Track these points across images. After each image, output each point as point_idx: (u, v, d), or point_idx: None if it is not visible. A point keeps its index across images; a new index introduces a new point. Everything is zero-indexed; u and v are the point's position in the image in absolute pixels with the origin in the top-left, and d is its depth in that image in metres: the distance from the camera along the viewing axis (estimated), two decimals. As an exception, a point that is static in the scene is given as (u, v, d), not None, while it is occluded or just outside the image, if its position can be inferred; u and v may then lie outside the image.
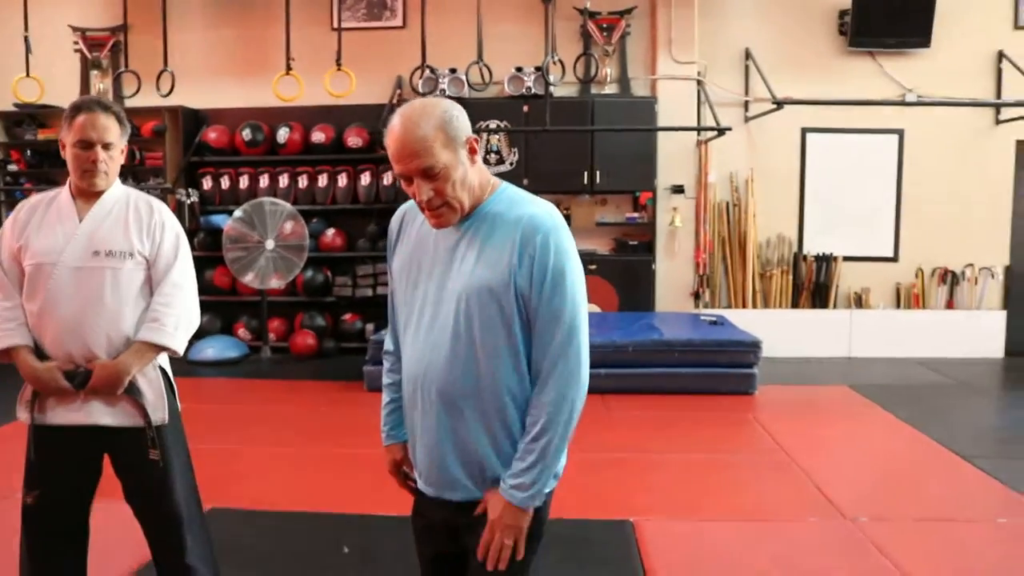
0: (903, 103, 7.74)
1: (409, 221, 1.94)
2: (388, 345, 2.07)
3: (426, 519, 1.97)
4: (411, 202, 1.94)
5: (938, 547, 3.55)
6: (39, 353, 2.47)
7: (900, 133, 8.00)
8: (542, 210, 1.78)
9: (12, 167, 8.38)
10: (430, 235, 1.86)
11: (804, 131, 8.06)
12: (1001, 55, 7.83)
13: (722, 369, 6.30)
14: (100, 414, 2.48)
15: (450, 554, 1.95)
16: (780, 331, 7.62)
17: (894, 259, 8.11)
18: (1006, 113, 7.81)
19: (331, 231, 8.10)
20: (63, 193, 2.55)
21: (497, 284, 1.73)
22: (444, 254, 1.82)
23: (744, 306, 8.01)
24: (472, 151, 1.76)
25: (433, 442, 1.83)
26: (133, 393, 2.49)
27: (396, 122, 1.72)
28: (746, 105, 8.04)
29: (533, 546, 1.83)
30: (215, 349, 7.60)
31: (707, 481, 4.41)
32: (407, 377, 1.88)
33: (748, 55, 7.90)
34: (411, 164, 1.70)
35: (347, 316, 8.10)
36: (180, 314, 2.54)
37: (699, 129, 7.84)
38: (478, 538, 1.81)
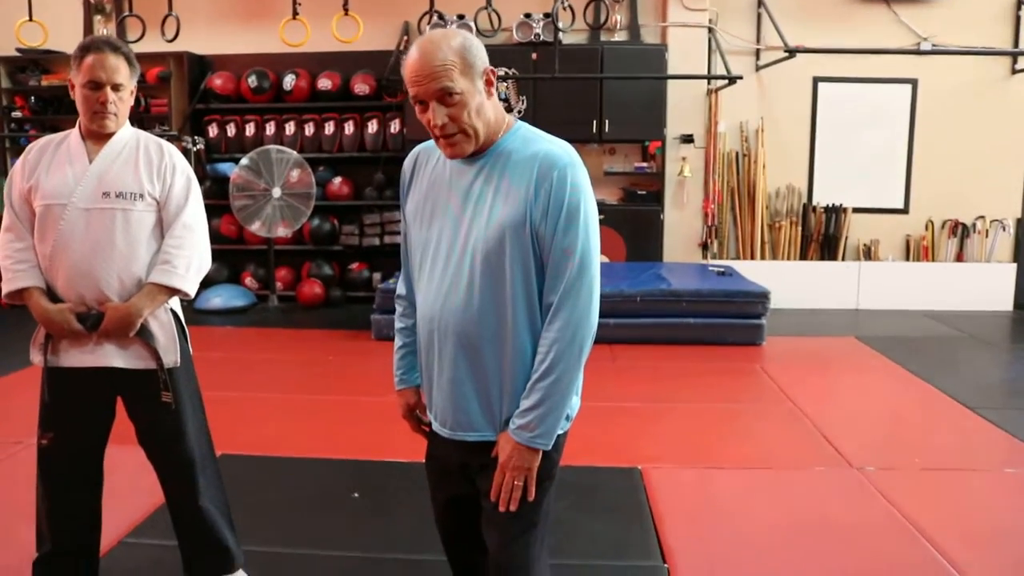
0: (917, 52, 7.61)
1: (423, 163, 1.92)
2: (400, 289, 2.06)
3: (440, 461, 1.98)
4: (424, 144, 1.93)
5: (945, 496, 3.57)
6: (52, 296, 2.47)
7: (914, 83, 7.90)
8: (559, 147, 1.77)
9: (16, 114, 8.32)
10: (444, 174, 1.84)
11: (816, 80, 7.97)
12: (1019, 2, 7.69)
13: (730, 320, 6.30)
14: (112, 356, 2.48)
15: (464, 496, 1.95)
16: (788, 282, 7.61)
17: (904, 211, 8.06)
18: (1023, 62, 7.69)
19: (338, 179, 8.06)
20: (73, 135, 2.53)
21: (514, 221, 1.72)
22: (459, 192, 1.80)
23: (752, 257, 7.99)
24: (489, 83, 1.75)
25: (450, 383, 1.82)
26: (145, 335, 2.49)
27: (414, 46, 1.73)
28: (757, 53, 7.93)
29: (545, 486, 1.83)
30: (222, 298, 7.61)
31: (714, 430, 4.43)
32: (423, 318, 1.87)
33: (760, 2, 7.76)
34: (429, 86, 1.69)
35: (354, 265, 8.10)
36: (191, 256, 2.53)
37: (709, 78, 7.75)
38: (491, 480, 1.81)
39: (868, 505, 3.46)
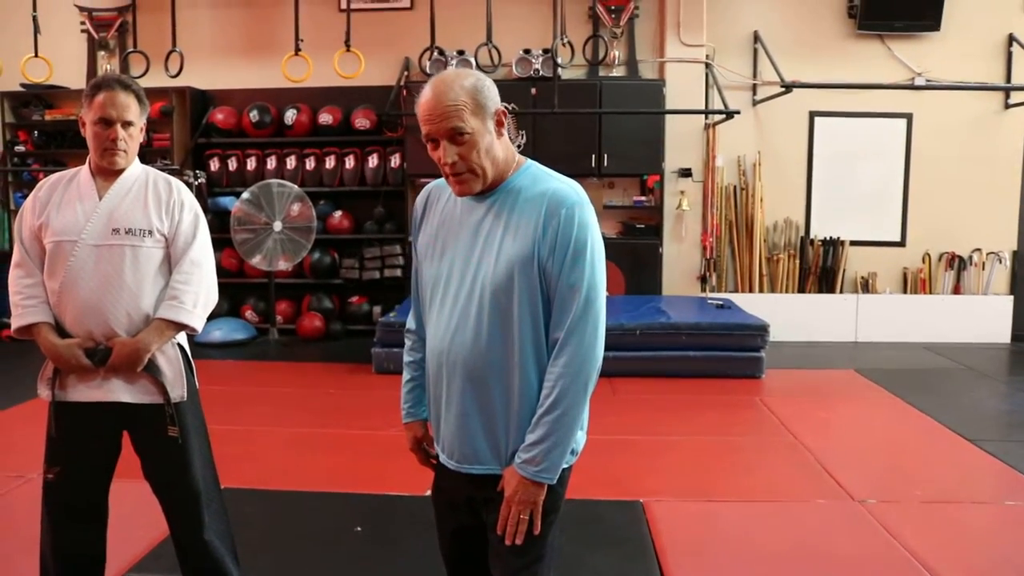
0: (912, 87, 7.72)
1: (434, 200, 1.96)
2: (410, 324, 2.09)
3: (447, 494, 1.99)
4: (436, 181, 1.97)
5: (946, 529, 3.57)
6: (60, 331, 2.49)
7: (909, 117, 7.98)
8: (567, 185, 1.82)
9: (20, 148, 8.38)
10: (455, 211, 1.88)
11: (812, 115, 8.05)
12: (1011, 39, 7.79)
13: (729, 352, 6.32)
14: (120, 391, 2.50)
15: (471, 528, 1.96)
16: (787, 315, 7.64)
17: (901, 244, 8.10)
18: (1016, 97, 7.79)
19: (338, 213, 8.11)
20: (83, 171, 2.56)
21: (522, 257, 1.76)
22: (469, 229, 1.84)
23: (751, 290, 8.03)
24: (499, 123, 1.80)
25: (457, 416, 1.85)
26: (152, 370, 2.51)
27: (429, 85, 1.77)
28: (754, 88, 8.02)
29: (550, 520, 1.85)
30: (222, 331, 7.63)
31: (715, 463, 4.43)
32: (432, 352, 1.90)
33: (757, 38, 7.88)
34: (440, 125, 1.73)
35: (354, 298, 8.12)
36: (199, 292, 2.56)
37: (707, 112, 7.84)
38: (497, 513, 1.83)
39: (869, 538, 3.47)
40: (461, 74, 1.78)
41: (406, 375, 2.09)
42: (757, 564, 3.22)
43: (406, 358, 2.09)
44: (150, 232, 2.51)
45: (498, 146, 1.80)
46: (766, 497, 3.95)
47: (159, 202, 2.55)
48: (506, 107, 1.83)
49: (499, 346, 1.79)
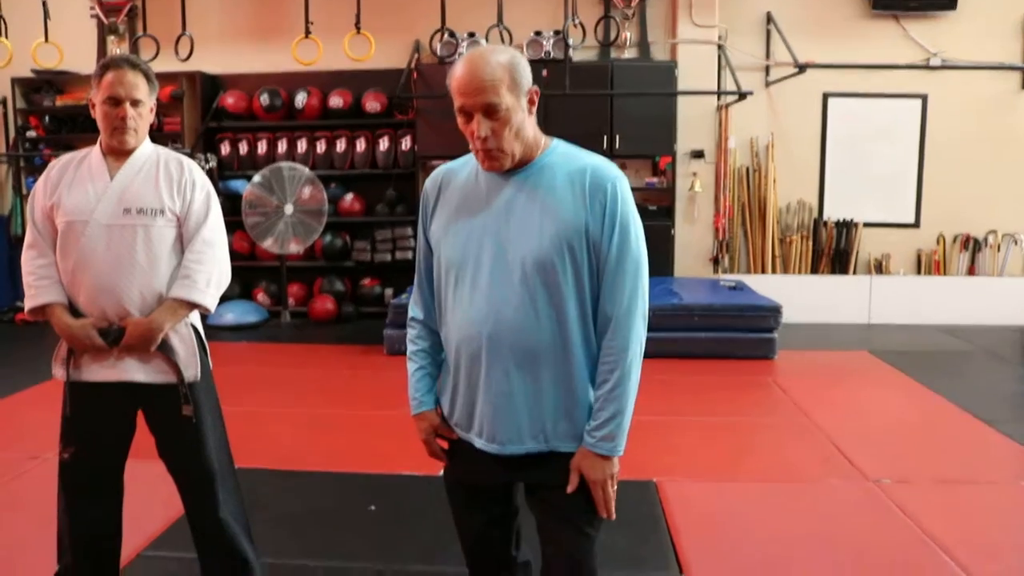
0: (927, 67, 7.66)
1: (448, 183, 1.93)
2: (415, 313, 2.05)
3: (479, 482, 1.97)
4: (447, 165, 1.95)
5: (960, 509, 3.55)
6: (74, 311, 2.49)
7: (923, 98, 7.91)
8: (603, 162, 1.82)
9: (31, 133, 8.41)
10: (479, 190, 1.86)
11: (826, 96, 7.99)
12: (1028, 18, 7.71)
13: (742, 334, 6.30)
14: (134, 371, 2.51)
15: (500, 517, 1.98)
16: (800, 297, 7.60)
17: (915, 225, 8.05)
18: (1032, 77, 7.72)
19: (349, 196, 8.11)
20: (94, 152, 2.56)
21: (570, 232, 1.75)
22: (498, 207, 1.82)
23: (763, 271, 7.99)
24: (532, 102, 1.80)
25: (499, 397, 1.82)
26: (166, 350, 2.51)
27: (465, 59, 1.77)
28: (767, 69, 7.97)
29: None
30: (234, 314, 7.65)
31: (728, 443, 4.42)
32: (464, 336, 1.85)
33: (770, 19, 7.82)
34: (476, 99, 1.73)
35: (366, 281, 8.14)
36: (212, 271, 2.55)
37: (719, 94, 7.78)
38: (547, 492, 1.87)
39: (883, 518, 3.45)
40: (497, 50, 1.78)
41: (413, 365, 2.04)
42: (770, 544, 3.21)
43: (411, 348, 2.05)
44: (162, 211, 2.50)
45: (528, 124, 1.80)
46: (779, 477, 3.94)
47: (170, 181, 2.54)
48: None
49: (548, 323, 1.78)
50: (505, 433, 1.84)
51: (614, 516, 1.84)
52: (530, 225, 1.78)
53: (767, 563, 3.06)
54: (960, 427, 4.70)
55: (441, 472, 2.08)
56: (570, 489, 1.82)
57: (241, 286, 8.09)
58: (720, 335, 6.29)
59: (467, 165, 1.91)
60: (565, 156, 1.84)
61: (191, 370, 2.55)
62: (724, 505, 3.61)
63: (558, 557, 1.89)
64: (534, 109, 1.81)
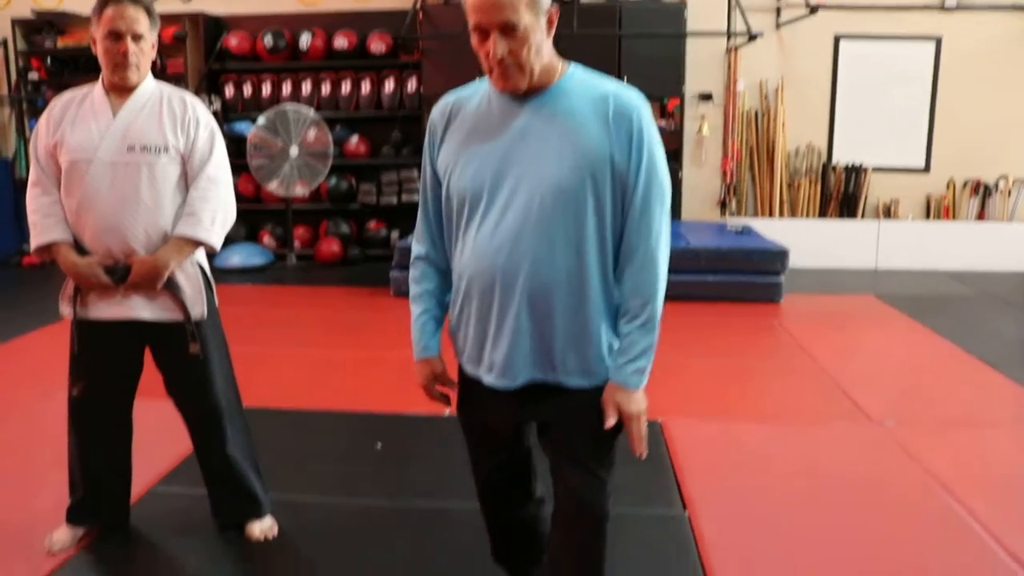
0: (942, 8, 7.52)
1: (457, 111, 1.84)
2: (420, 251, 1.97)
3: (492, 422, 1.95)
4: (455, 93, 1.88)
5: (965, 451, 3.56)
6: (80, 249, 2.49)
7: (937, 40, 7.77)
8: (626, 88, 1.75)
9: (33, 75, 8.33)
10: (492, 116, 1.77)
11: (837, 38, 7.85)
12: (1046, -44, 7.54)
13: (748, 277, 6.28)
14: (140, 308, 2.52)
15: (513, 460, 1.99)
16: (807, 241, 7.56)
17: (925, 170, 7.97)
18: (1049, 18, 7.57)
19: (355, 138, 8.05)
20: (96, 89, 2.53)
21: (594, 160, 1.68)
22: (513, 134, 1.73)
23: (771, 215, 7.94)
24: (551, 23, 1.71)
25: (513, 333, 1.76)
26: (172, 288, 2.52)
27: None
28: (778, 11, 7.82)
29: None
30: (240, 256, 7.65)
31: (733, 384, 4.44)
32: (477, 270, 1.77)
33: (782, -43, 7.67)
34: (494, 17, 1.64)
35: (372, 223, 8.12)
36: (216, 209, 2.55)
37: (729, 35, 7.65)
38: (558, 433, 1.86)
39: (888, 458, 3.47)
40: None
41: (417, 308, 1.97)
42: (775, 483, 3.24)
43: (414, 290, 1.97)
44: (165, 148, 2.49)
45: (546, 46, 1.72)
46: (784, 418, 3.96)
47: (174, 119, 2.52)
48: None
49: (565, 255, 1.72)
50: (515, 367, 1.78)
51: (646, 453, 1.81)
52: (548, 152, 1.70)
53: (770, 501, 3.08)
54: (966, 370, 4.70)
55: (446, 412, 2.07)
56: (609, 425, 1.78)
57: (247, 229, 8.09)
58: (726, 279, 6.28)
59: (478, 92, 1.83)
60: (584, 82, 1.75)
61: (197, 308, 2.56)
62: (728, 444, 3.63)
63: (569, 499, 1.87)
64: (552, 31, 1.72)
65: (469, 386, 1.93)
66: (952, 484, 3.18)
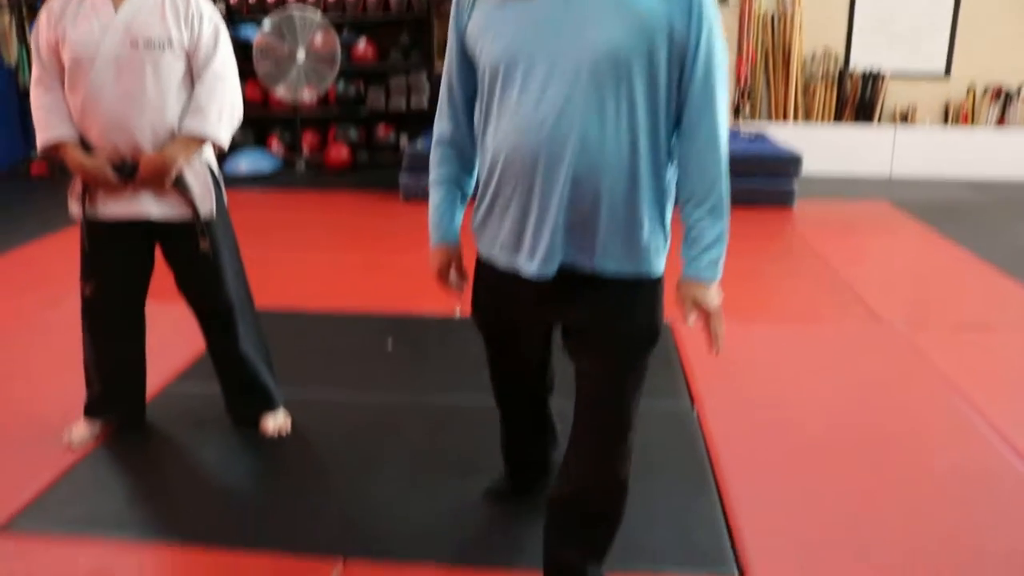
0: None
1: None
2: (442, 130, 1.85)
3: (515, 320, 1.88)
4: None
5: (976, 353, 3.57)
6: (86, 148, 2.47)
7: (962, -61, 7.51)
8: None
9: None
10: None
11: (859, -64, 7.59)
12: None
13: (761, 182, 6.21)
14: (149, 206, 2.50)
15: (535, 358, 1.96)
16: (821, 147, 7.42)
17: (945, 76, 7.78)
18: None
19: (362, 42, 7.89)
20: None
21: (647, 31, 1.52)
22: (560, 4, 1.55)
23: (785, 119, 7.81)
24: None
25: (554, 217, 1.61)
26: (181, 186, 2.50)
27: None
28: (799, -94, 7.56)
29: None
30: (248, 162, 7.59)
31: (744, 286, 4.41)
32: (514, 146, 1.60)
33: None
34: None
35: (381, 129, 8.02)
36: (223, 104, 2.51)
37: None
38: (590, 334, 1.75)
39: (898, 359, 3.49)
40: None
41: (437, 192, 1.88)
42: (782, 380, 3.26)
43: (435, 173, 1.88)
44: (169, 44, 2.43)
45: None
46: (794, 319, 3.97)
47: (177, 14, 2.46)
48: None
49: (614, 131, 1.57)
50: (556, 253, 1.64)
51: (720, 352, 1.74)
52: (599, 16, 1.52)
53: (779, 399, 3.11)
54: (979, 276, 4.68)
55: (457, 313, 2.04)
56: (691, 322, 1.72)
57: (255, 135, 8.01)
58: (739, 183, 6.11)
59: None
60: None
61: (206, 205, 2.54)
62: (737, 343, 3.60)
63: (596, 408, 1.80)
64: None
65: (495, 283, 1.81)
66: (962, 384, 3.19)
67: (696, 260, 1.69)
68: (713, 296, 1.71)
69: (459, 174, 1.88)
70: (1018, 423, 2.90)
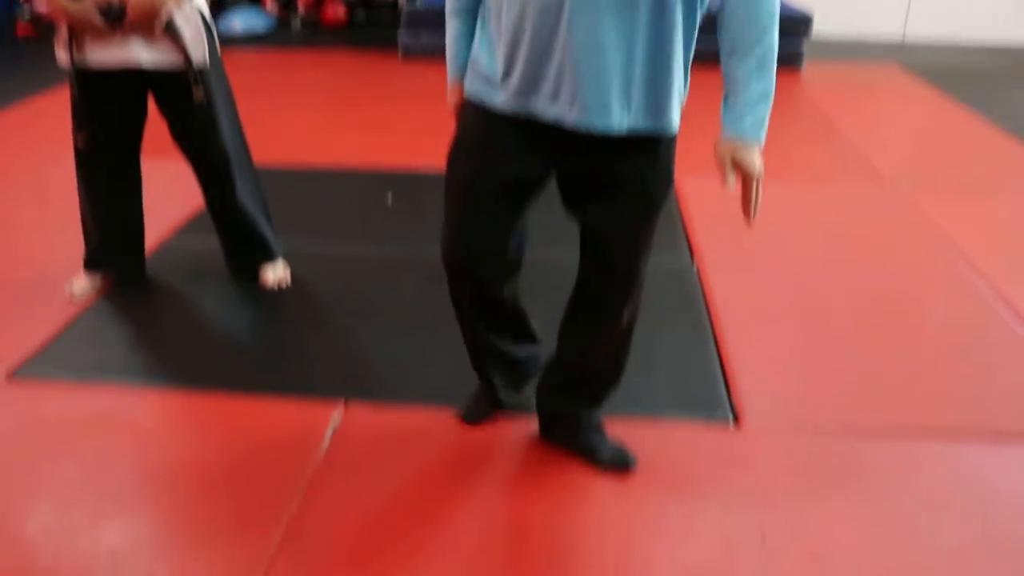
0: None
1: None
2: None
3: (512, 172, 1.68)
4: None
5: (980, 215, 3.54)
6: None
7: None
8: None
9: None
10: None
11: None
12: None
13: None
14: (140, 52, 2.42)
15: (514, 218, 1.76)
16: (831, 5, 7.17)
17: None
18: None
19: None
20: None
21: None
22: None
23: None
24: None
25: (590, 52, 1.47)
26: (171, 31, 2.41)
27: None
28: None
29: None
30: (243, 21, 7.36)
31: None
32: None
33: None
34: None
35: (378, -14, 7.77)
36: (211, -57, 2.40)
37: None
38: (608, 190, 1.65)
39: (901, 219, 3.47)
40: None
41: (454, 23, 1.73)
42: (786, 239, 3.25)
43: (451, 5, 1.72)
44: None
45: None
46: (798, 178, 3.93)
47: None
48: None
49: None
50: (592, 98, 1.51)
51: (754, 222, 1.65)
52: None
53: (781, 256, 3.11)
54: (987, 139, 4.60)
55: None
56: (731, 185, 1.61)
57: (248, -8, 7.76)
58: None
59: None
60: None
61: (198, 52, 2.46)
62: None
63: (609, 263, 1.74)
64: None
65: (499, 131, 1.65)
66: (964, 245, 3.19)
67: (740, 119, 1.56)
68: (756, 158, 1.59)
69: (475, 1, 1.69)
70: (1016, 282, 2.91)
